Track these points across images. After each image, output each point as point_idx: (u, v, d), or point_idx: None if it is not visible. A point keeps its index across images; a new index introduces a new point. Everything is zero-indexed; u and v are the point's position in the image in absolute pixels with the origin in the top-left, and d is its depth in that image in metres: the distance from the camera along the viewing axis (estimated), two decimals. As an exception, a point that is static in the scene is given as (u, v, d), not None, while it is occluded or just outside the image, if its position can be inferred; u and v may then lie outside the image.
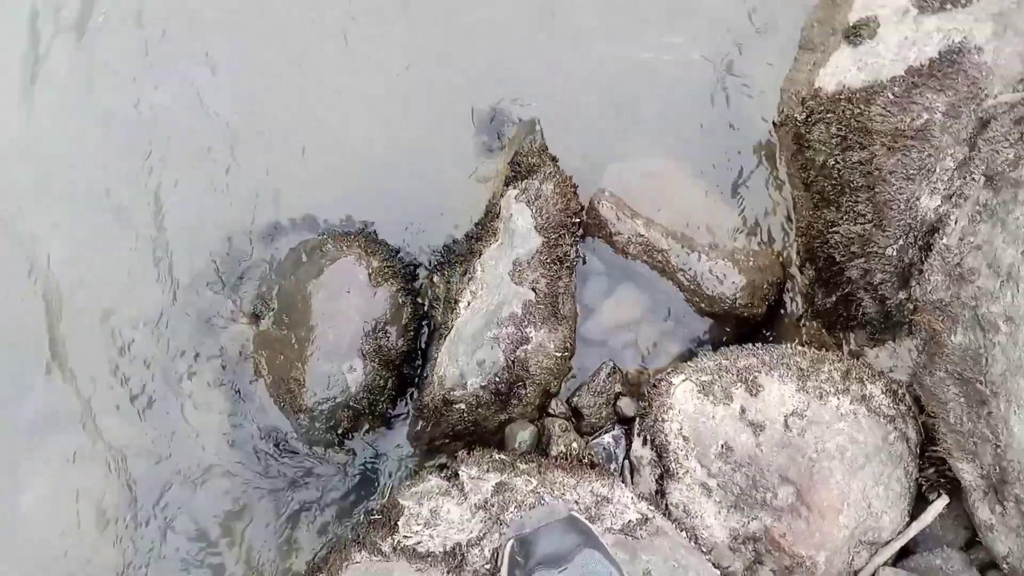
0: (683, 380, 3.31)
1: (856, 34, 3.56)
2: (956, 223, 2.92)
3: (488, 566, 2.69)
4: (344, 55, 4.09)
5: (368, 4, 4.14)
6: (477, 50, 4.09)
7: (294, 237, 3.94)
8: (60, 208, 3.93)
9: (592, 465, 3.19)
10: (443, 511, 2.95)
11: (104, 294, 3.83)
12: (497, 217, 3.70)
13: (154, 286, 3.85)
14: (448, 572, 2.72)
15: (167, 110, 4.04)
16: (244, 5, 4.15)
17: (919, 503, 3.17)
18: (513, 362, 3.41)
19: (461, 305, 3.56)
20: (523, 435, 3.47)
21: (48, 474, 3.68)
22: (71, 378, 3.74)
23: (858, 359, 3.41)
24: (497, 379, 3.40)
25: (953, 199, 3.01)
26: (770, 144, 3.92)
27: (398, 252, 3.90)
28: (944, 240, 2.94)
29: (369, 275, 3.70)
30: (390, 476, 3.58)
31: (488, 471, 3.13)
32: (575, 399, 3.57)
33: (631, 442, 3.42)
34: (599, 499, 2.95)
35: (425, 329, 3.82)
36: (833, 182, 3.47)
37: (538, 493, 2.89)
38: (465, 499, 3.00)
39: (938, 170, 3.10)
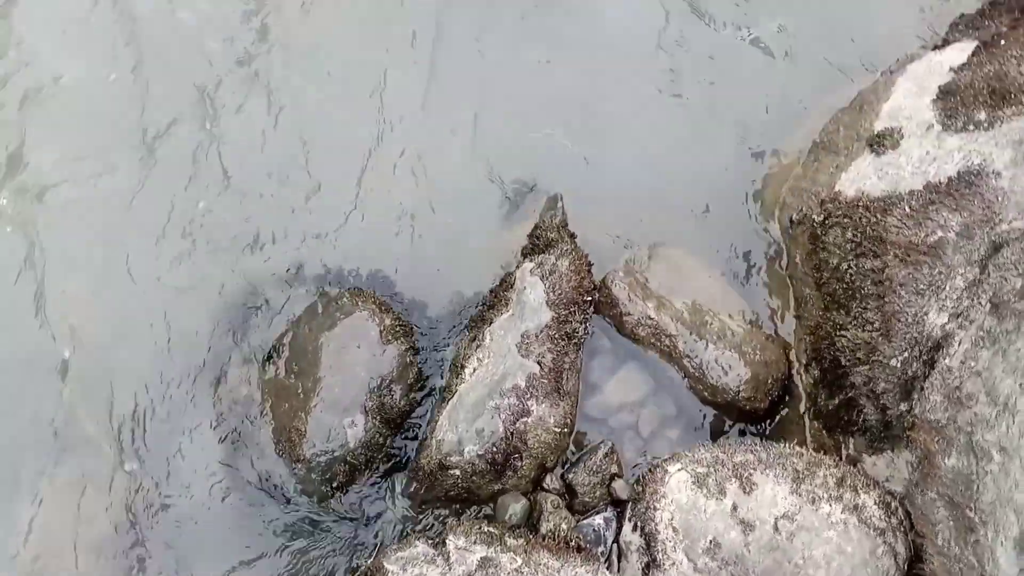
0: (678, 469, 3.32)
1: (880, 143, 3.63)
2: (959, 345, 2.94)
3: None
4: (382, 118, 4.23)
5: (404, 72, 4.30)
6: (510, 123, 4.22)
7: (313, 287, 4.02)
8: (81, 238, 4.06)
9: (579, 549, 3.19)
10: (426, 580, 2.98)
11: (121, 325, 3.93)
12: (511, 287, 3.77)
13: (170, 321, 3.93)
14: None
15: (209, 147, 4.20)
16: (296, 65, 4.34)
17: (904, 621, 3.14)
18: (512, 434, 3.44)
19: (467, 371, 3.61)
20: (515, 507, 3.49)
21: (51, 496, 3.74)
22: (83, 406, 3.81)
23: (855, 465, 3.41)
24: (494, 449, 3.44)
25: (960, 319, 3.03)
26: (787, 241, 3.97)
27: (411, 310, 3.97)
28: (947, 360, 2.95)
29: (380, 332, 3.77)
30: (379, 536, 3.60)
31: (476, 542, 3.15)
32: (570, 476, 3.59)
33: (622, 525, 3.43)
34: (581, 585, 2.96)
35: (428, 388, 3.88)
36: (844, 286, 3.51)
37: (521, 574, 2.90)
38: (450, 569, 3.02)
39: (948, 288, 3.13)
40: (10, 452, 3.75)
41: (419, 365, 3.83)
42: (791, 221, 3.89)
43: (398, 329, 3.82)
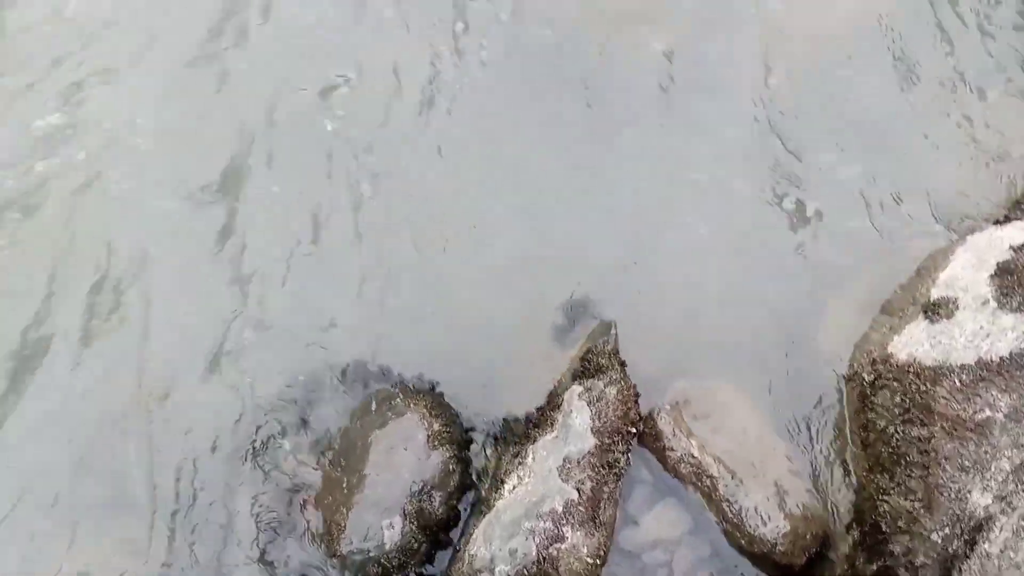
0: (706, 617, 3.31)
1: (935, 311, 3.68)
2: (1000, 531, 2.91)
3: None
4: (447, 221, 4.50)
5: (472, 178, 4.60)
6: (572, 246, 4.42)
7: (371, 383, 4.18)
8: (150, 310, 4.34)
9: None
10: None
11: (183, 398, 4.14)
12: (558, 409, 3.87)
13: (230, 400, 4.13)
14: None
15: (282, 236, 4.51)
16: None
17: None
18: (544, 559, 3.48)
19: (506, 487, 3.69)
20: (538, 633, 3.49)
21: (92, 553, 3.89)
22: (138, 472, 4.00)
23: (888, 637, 3.34)
24: (525, 571, 3.47)
25: (1003, 503, 3.01)
26: (838, 395, 3.99)
27: (458, 417, 4.08)
28: (986, 545, 2.93)
29: (428, 436, 3.89)
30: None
31: (494, 666, 3.16)
32: (597, 608, 3.59)
33: (643, 666, 3.40)
34: None
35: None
36: (890, 450, 3.51)
37: None
38: None
39: (993, 468, 3.12)
40: (65, 505, 3.94)
41: (461, 474, 3.92)
42: (843, 377, 3.93)
43: (445, 435, 3.93)
